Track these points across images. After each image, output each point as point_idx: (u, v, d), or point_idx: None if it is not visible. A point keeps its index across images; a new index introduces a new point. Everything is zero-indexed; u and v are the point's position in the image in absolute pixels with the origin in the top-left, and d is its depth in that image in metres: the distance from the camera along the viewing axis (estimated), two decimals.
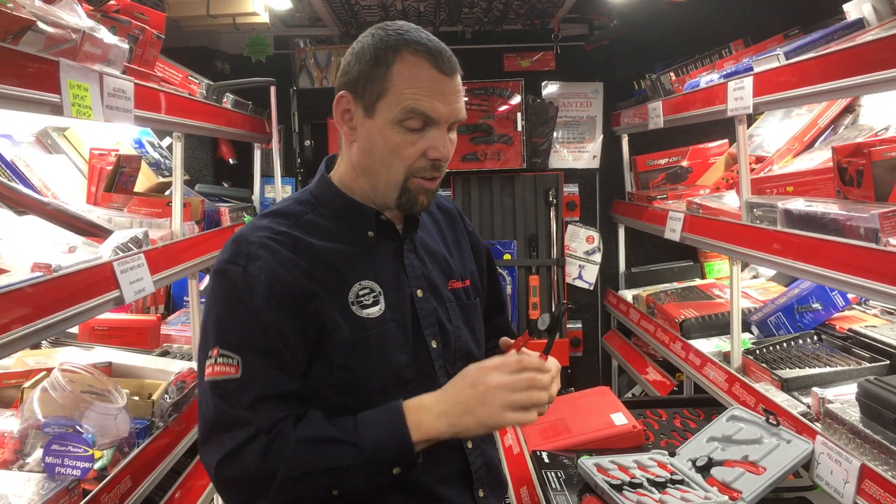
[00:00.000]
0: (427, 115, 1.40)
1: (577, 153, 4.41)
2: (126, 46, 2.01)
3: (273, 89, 3.51)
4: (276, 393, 1.37)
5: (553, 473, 2.22)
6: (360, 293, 1.47)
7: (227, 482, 1.37)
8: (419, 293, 1.55)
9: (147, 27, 2.25)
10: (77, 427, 1.79)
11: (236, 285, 1.40)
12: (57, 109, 1.63)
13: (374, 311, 1.47)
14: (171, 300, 3.41)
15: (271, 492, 1.33)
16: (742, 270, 2.70)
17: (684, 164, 3.88)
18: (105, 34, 1.89)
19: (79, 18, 1.77)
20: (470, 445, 1.58)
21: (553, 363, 1.45)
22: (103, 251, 1.98)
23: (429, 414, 1.36)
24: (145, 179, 2.96)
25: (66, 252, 1.88)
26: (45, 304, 1.58)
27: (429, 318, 1.55)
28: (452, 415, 1.35)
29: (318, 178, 1.60)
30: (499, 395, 1.34)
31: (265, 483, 1.33)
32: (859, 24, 2.22)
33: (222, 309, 1.41)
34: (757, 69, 2.31)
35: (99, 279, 1.83)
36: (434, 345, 1.54)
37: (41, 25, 1.57)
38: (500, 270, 3.59)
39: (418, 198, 1.48)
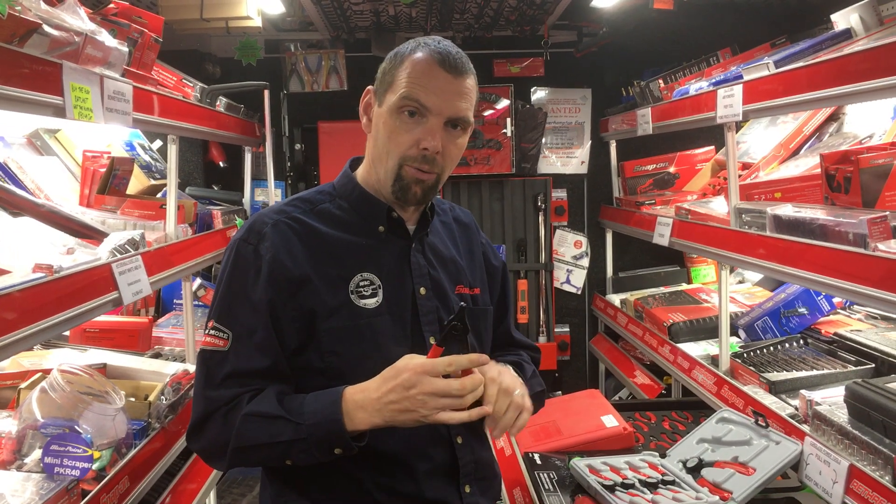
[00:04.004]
0: (420, 102, 1.49)
1: (565, 159, 4.46)
2: (126, 49, 2.02)
3: (266, 93, 3.53)
4: (247, 370, 1.48)
5: (545, 475, 2.24)
6: (360, 283, 1.55)
7: (195, 451, 1.56)
8: (422, 291, 1.61)
9: (146, 30, 2.26)
10: (75, 427, 1.79)
11: (243, 262, 1.52)
12: (60, 111, 1.65)
13: (371, 303, 1.55)
14: (161, 302, 3.41)
15: (226, 459, 1.48)
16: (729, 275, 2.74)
17: (671, 170, 3.93)
18: (106, 37, 1.90)
19: (81, 21, 1.78)
20: (460, 441, 1.61)
21: (484, 358, 1.43)
22: (101, 252, 1.98)
23: (363, 411, 1.40)
24: (136, 182, 2.96)
25: (65, 253, 1.88)
26: (48, 304, 1.59)
27: (429, 316, 1.60)
28: (387, 412, 1.38)
29: (342, 173, 1.70)
30: (431, 401, 1.36)
31: (221, 451, 1.47)
32: (846, 35, 2.27)
33: (227, 283, 1.54)
34: (747, 77, 2.36)
35: (98, 280, 1.84)
36: (432, 341, 1.57)
37: (46, 28, 1.58)
38: None
39: (411, 187, 1.55)
